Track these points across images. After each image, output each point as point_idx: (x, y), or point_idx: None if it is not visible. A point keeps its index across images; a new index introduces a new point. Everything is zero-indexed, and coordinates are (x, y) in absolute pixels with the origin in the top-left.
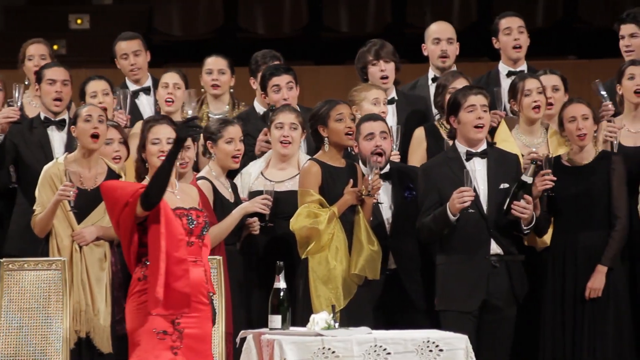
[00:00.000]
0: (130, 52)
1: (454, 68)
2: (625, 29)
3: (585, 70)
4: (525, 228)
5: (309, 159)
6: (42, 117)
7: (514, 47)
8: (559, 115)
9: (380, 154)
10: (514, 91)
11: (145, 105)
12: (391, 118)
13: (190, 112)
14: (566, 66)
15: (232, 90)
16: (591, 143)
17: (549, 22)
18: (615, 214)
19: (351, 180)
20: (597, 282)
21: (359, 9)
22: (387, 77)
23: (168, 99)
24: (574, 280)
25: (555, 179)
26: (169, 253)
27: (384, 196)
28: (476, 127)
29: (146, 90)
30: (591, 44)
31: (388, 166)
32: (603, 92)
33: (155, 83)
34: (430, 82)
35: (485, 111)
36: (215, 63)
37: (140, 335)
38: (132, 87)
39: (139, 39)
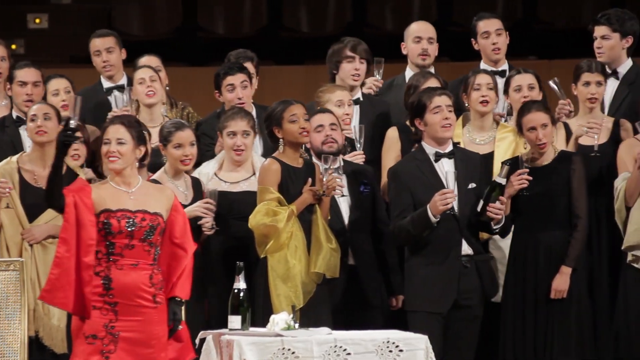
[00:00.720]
0: (103, 49)
1: (432, 69)
2: (598, 30)
3: (545, 71)
4: (494, 228)
5: (270, 157)
6: (14, 117)
7: (493, 50)
8: (518, 119)
9: (331, 145)
10: (465, 85)
11: (120, 103)
12: (355, 118)
13: (73, 120)
14: (526, 66)
15: (167, 88)
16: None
17: (509, 22)
18: (577, 214)
19: (310, 179)
20: (561, 283)
21: (319, 9)
22: (359, 76)
23: (149, 92)
24: (534, 279)
25: (531, 178)
26: (79, 258)
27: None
28: (444, 126)
29: (120, 88)
30: (551, 45)
31: (342, 162)
32: (559, 90)
33: (130, 81)
34: (407, 81)
35: (450, 111)
36: (148, 62)
37: (74, 338)
38: (106, 84)
39: (113, 36)
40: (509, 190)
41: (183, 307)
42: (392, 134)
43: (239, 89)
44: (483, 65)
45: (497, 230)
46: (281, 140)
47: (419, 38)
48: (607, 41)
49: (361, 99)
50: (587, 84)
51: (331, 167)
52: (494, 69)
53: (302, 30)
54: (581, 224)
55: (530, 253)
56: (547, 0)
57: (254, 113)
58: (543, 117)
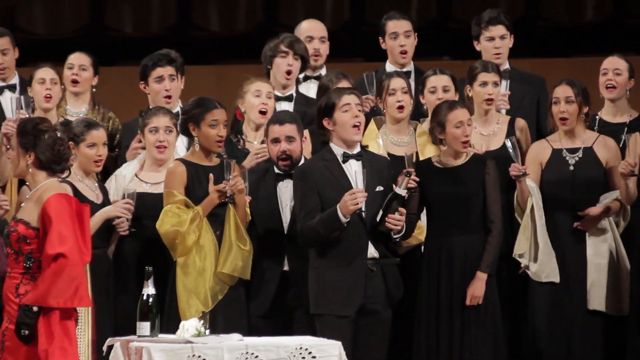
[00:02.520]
0: None
1: (412, 64)
2: (496, 30)
3: (459, 71)
4: (395, 237)
5: (175, 159)
6: None
7: (401, 52)
8: (436, 118)
9: (285, 159)
10: (379, 89)
11: (12, 103)
12: None
13: None
14: (440, 67)
15: (94, 89)
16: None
17: (423, 22)
18: (491, 219)
19: (211, 179)
20: (477, 289)
21: (230, 8)
22: (291, 72)
23: (47, 95)
24: (448, 284)
25: (418, 179)
26: None
27: (287, 197)
28: (354, 126)
29: (12, 88)
30: (465, 45)
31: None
32: (514, 151)
33: (23, 81)
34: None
35: (360, 110)
36: (77, 59)
37: None
38: None
39: (7, 36)
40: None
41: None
42: (305, 134)
43: (167, 81)
44: (389, 65)
45: (397, 240)
46: (196, 138)
47: (310, 37)
48: (504, 41)
49: (294, 95)
50: (484, 84)
51: (232, 169)
52: (398, 69)
53: (212, 30)
54: (496, 229)
55: (444, 257)
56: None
57: (179, 110)
58: (467, 114)
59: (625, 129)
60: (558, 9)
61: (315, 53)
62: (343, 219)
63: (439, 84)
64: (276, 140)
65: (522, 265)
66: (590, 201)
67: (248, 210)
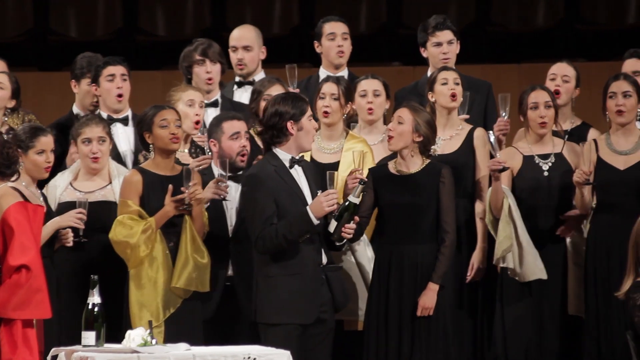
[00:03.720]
0: None
1: (346, 69)
2: (443, 35)
3: (409, 77)
4: (340, 244)
5: (133, 168)
6: None
7: (337, 53)
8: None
9: (244, 155)
10: (315, 93)
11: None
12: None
13: None
14: (390, 72)
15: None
16: (418, 153)
17: (373, 28)
18: (445, 229)
19: (170, 190)
20: (428, 300)
21: (176, 12)
22: (212, 79)
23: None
24: (399, 293)
25: (365, 178)
26: None
27: (231, 200)
28: (314, 135)
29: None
30: (416, 51)
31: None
32: (494, 145)
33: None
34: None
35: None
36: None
37: None
38: None
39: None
40: (345, 189)
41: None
42: None
43: (119, 79)
44: (322, 70)
45: (342, 247)
46: (151, 146)
47: (234, 48)
48: (452, 46)
49: (219, 100)
50: (445, 82)
51: (191, 178)
52: (332, 74)
53: (158, 34)
54: (449, 239)
55: (395, 265)
56: (412, 4)
57: (129, 114)
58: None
59: (566, 136)
60: (509, 14)
61: (239, 62)
62: (315, 221)
63: (370, 88)
64: (236, 136)
65: (505, 267)
66: (567, 206)
67: (206, 220)
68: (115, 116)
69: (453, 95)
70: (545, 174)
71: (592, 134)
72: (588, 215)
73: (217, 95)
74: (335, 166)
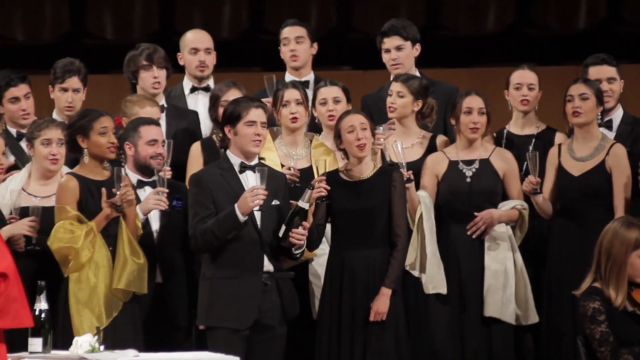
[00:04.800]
0: None
1: (312, 74)
2: (391, 42)
3: (359, 81)
4: (295, 253)
5: (66, 173)
6: None
7: (290, 57)
8: (336, 128)
9: (159, 162)
10: (274, 99)
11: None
12: (162, 127)
13: None
14: (340, 77)
15: None
16: (369, 156)
17: (324, 31)
18: (397, 233)
19: (104, 193)
20: (381, 305)
21: (125, 15)
22: (159, 84)
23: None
24: (351, 298)
25: (329, 187)
26: None
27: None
28: (254, 140)
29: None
30: (366, 55)
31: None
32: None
33: None
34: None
35: (263, 127)
36: None
37: None
38: None
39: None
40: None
41: None
42: (195, 148)
43: (23, 100)
44: (288, 75)
45: (298, 255)
46: (85, 150)
47: (195, 49)
48: (401, 52)
49: (165, 105)
50: (390, 94)
51: (123, 180)
52: (297, 79)
53: (107, 38)
54: (401, 243)
55: (347, 270)
56: (363, 8)
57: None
58: (362, 118)
59: (533, 140)
60: (459, 19)
61: (201, 65)
62: (241, 218)
63: (330, 96)
64: (153, 142)
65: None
66: None
67: (139, 223)
68: (24, 131)
69: (390, 109)
70: (468, 180)
71: (559, 137)
72: (507, 220)
73: (162, 101)
74: (306, 171)
